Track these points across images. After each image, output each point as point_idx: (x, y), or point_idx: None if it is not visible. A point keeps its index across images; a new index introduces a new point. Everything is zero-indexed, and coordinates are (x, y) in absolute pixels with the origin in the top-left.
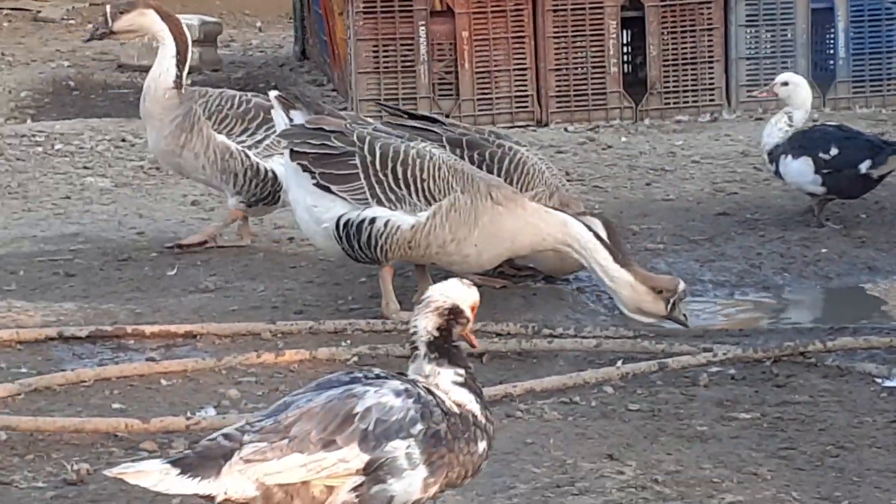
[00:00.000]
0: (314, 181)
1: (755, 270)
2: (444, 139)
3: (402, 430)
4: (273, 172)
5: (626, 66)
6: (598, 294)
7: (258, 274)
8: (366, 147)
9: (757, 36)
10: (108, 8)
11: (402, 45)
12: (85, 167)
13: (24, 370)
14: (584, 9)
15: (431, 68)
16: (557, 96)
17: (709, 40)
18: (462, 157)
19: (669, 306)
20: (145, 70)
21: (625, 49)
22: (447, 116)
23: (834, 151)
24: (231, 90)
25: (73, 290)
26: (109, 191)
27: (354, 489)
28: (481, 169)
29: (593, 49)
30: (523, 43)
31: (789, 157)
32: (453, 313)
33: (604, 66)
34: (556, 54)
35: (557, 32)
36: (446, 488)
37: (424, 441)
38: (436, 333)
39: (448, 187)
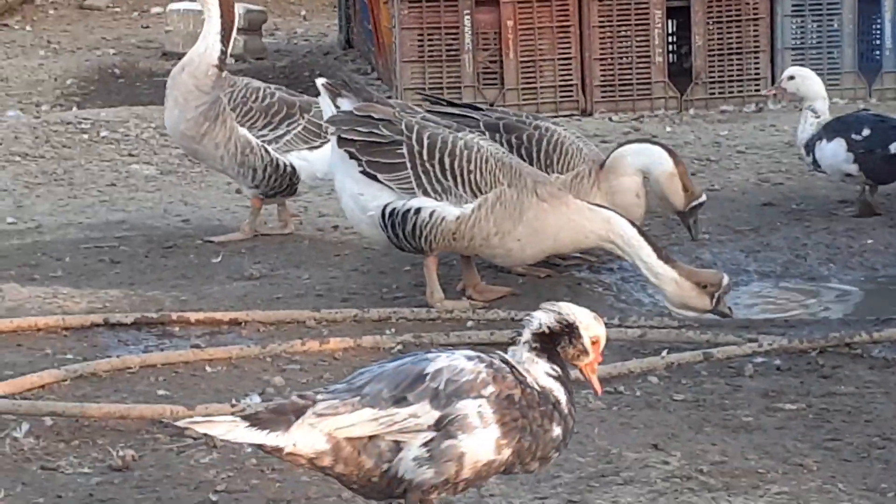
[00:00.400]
0: (361, 169)
1: (800, 261)
2: (481, 124)
3: (474, 390)
4: (292, 167)
5: (671, 55)
6: (642, 284)
7: (303, 262)
8: (414, 136)
9: (803, 26)
10: None
11: (446, 34)
12: (130, 154)
13: (69, 356)
14: None
15: (476, 57)
16: (602, 86)
17: (754, 30)
18: (500, 142)
19: (714, 301)
20: None
21: (670, 39)
22: (491, 105)
23: (866, 132)
24: (257, 81)
25: (119, 277)
26: (154, 178)
27: (425, 444)
28: (520, 152)
29: (638, 38)
30: (568, 32)
31: (824, 140)
32: (570, 329)
33: (649, 56)
34: (601, 44)
35: (602, 22)
36: (518, 466)
37: (497, 402)
38: (546, 330)
39: (495, 180)
